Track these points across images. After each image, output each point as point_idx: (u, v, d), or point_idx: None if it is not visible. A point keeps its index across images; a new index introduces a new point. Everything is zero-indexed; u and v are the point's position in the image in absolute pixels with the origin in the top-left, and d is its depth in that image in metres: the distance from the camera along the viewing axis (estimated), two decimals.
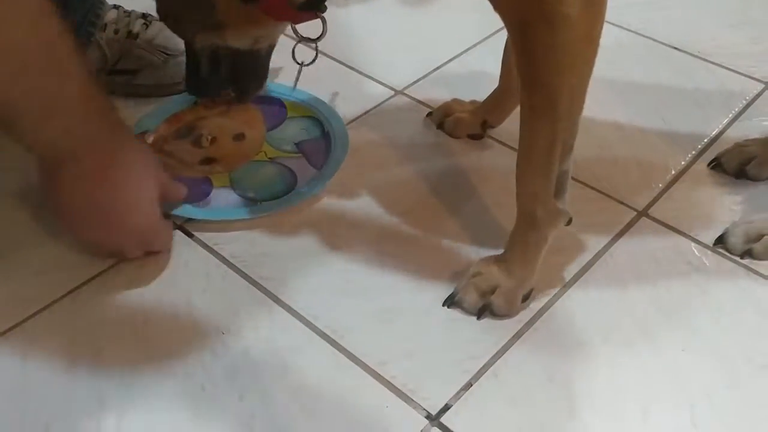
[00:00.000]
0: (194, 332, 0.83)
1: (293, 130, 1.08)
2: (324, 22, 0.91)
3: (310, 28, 0.94)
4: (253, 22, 0.86)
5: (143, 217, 0.87)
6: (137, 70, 1.15)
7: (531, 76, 0.77)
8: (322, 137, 1.06)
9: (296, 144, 1.06)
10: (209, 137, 1.00)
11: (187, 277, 0.89)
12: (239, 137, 1.00)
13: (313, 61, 1.06)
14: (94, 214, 0.84)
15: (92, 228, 0.86)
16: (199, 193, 0.99)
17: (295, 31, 0.98)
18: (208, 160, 1.00)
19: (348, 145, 1.03)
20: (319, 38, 0.95)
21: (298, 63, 1.06)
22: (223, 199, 0.99)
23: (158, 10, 0.89)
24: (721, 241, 0.94)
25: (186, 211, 0.95)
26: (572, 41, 0.73)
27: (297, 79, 1.09)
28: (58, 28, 0.75)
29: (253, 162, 1.02)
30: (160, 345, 0.82)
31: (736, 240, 0.93)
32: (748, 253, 0.92)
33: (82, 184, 0.82)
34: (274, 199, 0.98)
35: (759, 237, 0.92)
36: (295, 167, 1.02)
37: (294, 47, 1.01)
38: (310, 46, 1.02)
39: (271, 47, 0.93)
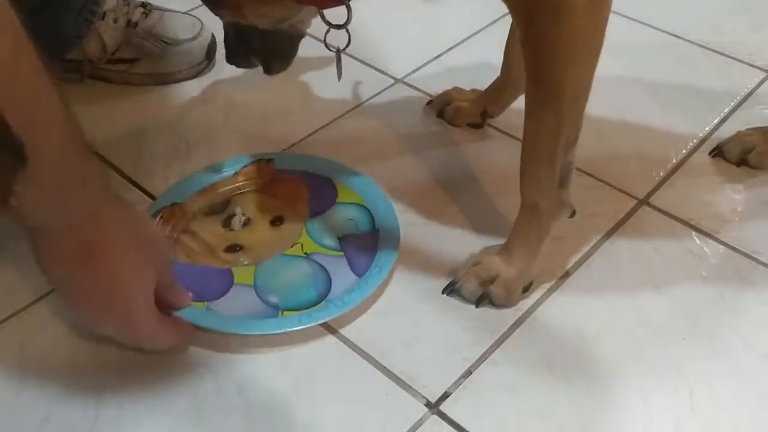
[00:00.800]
0: None
1: (339, 219, 0.93)
2: (349, 9, 0.91)
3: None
4: (274, 4, 0.86)
5: (128, 311, 0.72)
6: (136, 59, 1.15)
7: (536, 66, 0.76)
8: (370, 233, 0.91)
9: (340, 239, 0.91)
10: (243, 218, 0.92)
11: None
12: (277, 221, 0.92)
13: (347, 45, 0.99)
14: (74, 296, 0.73)
15: (76, 310, 0.76)
16: (216, 289, 0.86)
17: (323, 17, 0.97)
18: (235, 247, 0.90)
19: (397, 249, 0.88)
20: (345, 24, 0.96)
21: (332, 50, 1.00)
22: (241, 300, 0.84)
23: None
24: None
25: (191, 314, 0.80)
26: (577, 32, 0.73)
27: (339, 68, 1.01)
28: (37, 73, 0.59)
29: (286, 256, 0.89)
30: None
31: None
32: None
33: (59, 261, 0.69)
34: (298, 309, 0.83)
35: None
36: (332, 268, 0.87)
37: (325, 35, 0.99)
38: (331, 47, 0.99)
39: (299, 31, 0.94)
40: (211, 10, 0.91)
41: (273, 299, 0.84)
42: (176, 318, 0.79)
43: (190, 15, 1.21)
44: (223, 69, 1.18)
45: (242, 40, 0.96)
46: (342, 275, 0.86)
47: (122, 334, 0.76)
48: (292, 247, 0.90)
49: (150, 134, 1.08)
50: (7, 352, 0.80)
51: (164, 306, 0.76)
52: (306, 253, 0.89)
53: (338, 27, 0.98)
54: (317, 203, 0.95)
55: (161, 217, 0.92)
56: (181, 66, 1.16)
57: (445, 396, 0.76)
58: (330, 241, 0.90)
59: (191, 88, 1.16)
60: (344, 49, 0.99)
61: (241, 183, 0.96)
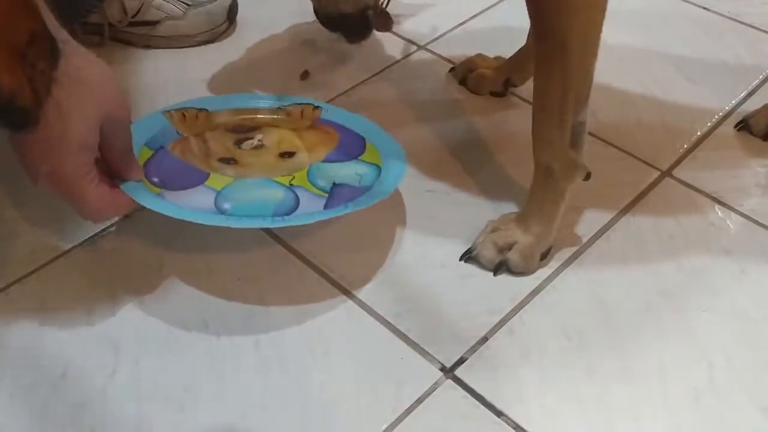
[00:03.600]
0: (210, 279, 0.83)
1: (348, 171, 0.87)
2: None
3: None
4: None
5: (53, 162, 0.69)
6: (157, 21, 1.14)
7: (541, 21, 0.76)
8: (366, 188, 0.84)
9: (335, 184, 0.85)
10: (257, 143, 0.90)
11: (200, 226, 0.88)
12: (286, 155, 0.89)
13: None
14: (15, 140, 0.69)
15: (18, 155, 0.71)
16: (182, 183, 0.83)
17: None
18: (229, 160, 0.87)
19: (371, 203, 0.81)
20: None
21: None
22: (196, 198, 0.81)
23: None
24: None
25: (133, 189, 0.77)
26: None
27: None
28: None
29: (269, 180, 0.85)
30: (176, 292, 0.82)
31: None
32: None
33: None
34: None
35: None
36: (305, 201, 0.82)
37: None
38: None
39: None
40: None
41: (226, 205, 0.81)
42: (116, 190, 0.76)
43: None
44: (245, 31, 1.18)
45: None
46: (312, 206, 0.81)
47: (54, 188, 0.72)
48: (283, 176, 0.86)
49: (171, 96, 1.07)
50: (26, 309, 0.81)
51: (113, 173, 0.76)
52: (291, 184, 0.85)
53: None
54: (338, 154, 0.90)
55: (183, 114, 0.91)
56: (202, 28, 1.15)
57: (461, 361, 0.76)
58: (323, 183, 0.85)
59: (212, 50, 1.16)
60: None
61: (279, 117, 0.94)
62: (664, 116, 1.05)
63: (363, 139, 0.92)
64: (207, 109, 0.93)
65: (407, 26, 1.20)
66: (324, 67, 1.12)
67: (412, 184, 0.94)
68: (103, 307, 0.80)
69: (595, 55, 0.77)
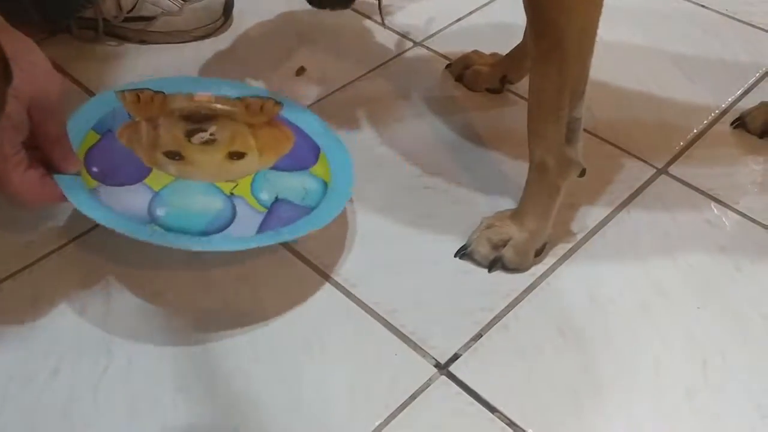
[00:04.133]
0: (204, 278, 0.83)
1: (294, 184, 0.85)
2: None
3: None
4: None
5: None
6: (152, 17, 1.14)
7: (537, 17, 0.76)
8: (306, 209, 0.82)
9: (277, 199, 0.83)
10: (208, 136, 0.87)
11: None
12: (235, 156, 0.86)
13: None
14: None
15: None
16: (122, 178, 0.81)
17: None
18: (175, 155, 0.84)
19: (305, 233, 0.80)
20: None
21: None
22: (131, 198, 0.79)
23: None
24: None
25: (66, 182, 0.75)
26: None
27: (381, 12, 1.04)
28: None
29: (211, 185, 0.83)
30: (169, 290, 0.82)
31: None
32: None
33: None
34: (173, 230, 0.78)
35: None
36: (241, 216, 0.80)
37: None
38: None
39: None
40: None
41: (159, 212, 0.79)
42: (46, 179, 0.74)
43: None
44: (240, 26, 1.18)
45: None
46: (244, 226, 0.79)
47: None
48: (226, 182, 0.84)
49: None
50: (19, 304, 0.80)
51: (49, 164, 0.73)
52: (232, 193, 0.83)
53: None
54: (289, 161, 0.88)
55: (137, 96, 0.89)
56: (198, 23, 1.15)
57: (455, 358, 0.76)
58: (265, 196, 0.83)
59: (208, 46, 1.15)
60: None
61: (237, 108, 0.91)
62: (660, 113, 1.05)
63: (318, 148, 0.89)
64: (164, 92, 0.90)
65: (404, 22, 1.20)
66: (320, 62, 1.12)
67: (409, 181, 0.94)
68: (97, 304, 0.80)
69: (591, 51, 0.77)
